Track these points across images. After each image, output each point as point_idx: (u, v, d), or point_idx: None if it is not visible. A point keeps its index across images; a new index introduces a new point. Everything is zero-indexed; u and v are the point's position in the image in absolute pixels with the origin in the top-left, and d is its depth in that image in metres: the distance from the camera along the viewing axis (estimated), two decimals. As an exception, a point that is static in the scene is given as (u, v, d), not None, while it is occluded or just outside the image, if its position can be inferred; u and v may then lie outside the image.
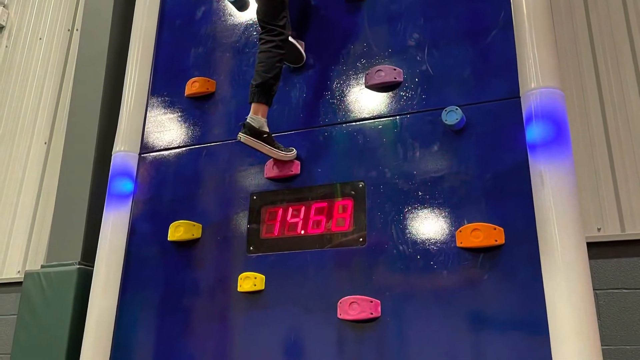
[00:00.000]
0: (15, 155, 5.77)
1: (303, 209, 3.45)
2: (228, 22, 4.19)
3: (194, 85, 4.02)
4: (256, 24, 3.87)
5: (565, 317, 2.63)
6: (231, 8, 4.19)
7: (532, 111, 3.02)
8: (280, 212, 3.50)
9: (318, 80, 3.72)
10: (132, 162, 4.02)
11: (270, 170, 3.58)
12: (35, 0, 6.51)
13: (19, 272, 5.22)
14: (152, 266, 3.73)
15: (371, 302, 3.05)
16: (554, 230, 2.75)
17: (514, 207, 2.96)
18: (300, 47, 3.74)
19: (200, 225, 3.67)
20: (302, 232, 3.40)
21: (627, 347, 3.55)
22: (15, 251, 5.36)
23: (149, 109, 4.20)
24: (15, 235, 5.42)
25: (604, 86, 4.09)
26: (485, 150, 3.14)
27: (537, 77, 3.06)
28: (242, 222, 3.58)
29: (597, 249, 3.69)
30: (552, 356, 2.64)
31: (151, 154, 4.04)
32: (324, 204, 3.40)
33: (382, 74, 3.50)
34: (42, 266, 4.41)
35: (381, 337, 3.01)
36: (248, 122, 3.36)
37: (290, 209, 3.48)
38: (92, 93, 4.86)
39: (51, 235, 4.60)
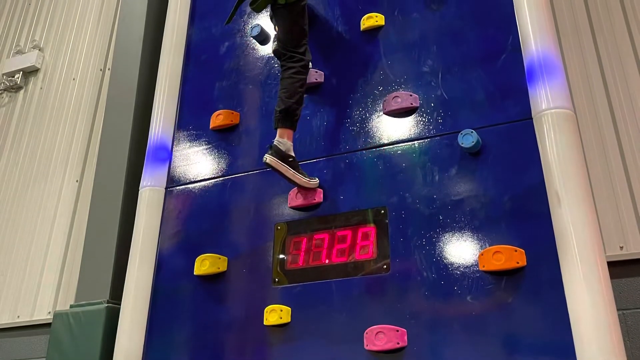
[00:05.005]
0: (48, 194, 5.99)
1: (327, 237, 3.56)
2: (251, 56, 4.42)
3: (218, 118, 4.22)
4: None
5: (591, 339, 2.67)
6: (254, 42, 4.44)
7: (545, 131, 3.15)
8: (304, 241, 3.62)
9: (337, 108, 3.89)
10: (159, 197, 4.21)
11: (293, 199, 3.72)
12: (69, 43, 6.86)
13: (49, 312, 5.34)
14: (178, 302, 3.86)
15: (397, 331, 3.12)
16: (573, 250, 2.83)
17: (534, 228, 3.05)
18: None
19: (226, 258, 3.81)
20: (327, 261, 3.51)
21: (660, 368, 3.55)
22: (46, 291, 5.49)
23: (175, 142, 4.42)
24: (46, 275, 5.57)
25: (615, 103, 4.23)
26: (502, 172, 3.25)
27: (547, 98, 3.20)
28: (267, 253, 3.71)
29: (621, 268, 3.70)
30: (581, 379, 2.68)
31: (177, 187, 4.24)
32: (348, 232, 3.52)
33: (399, 100, 3.66)
34: (71, 306, 4.53)
35: (409, 368, 3.08)
36: (275, 145, 3.52)
37: (315, 238, 3.60)
38: (122, 129, 5.09)
39: (80, 275, 4.75)
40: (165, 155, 4.36)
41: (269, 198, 3.85)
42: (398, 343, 3.11)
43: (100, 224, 4.82)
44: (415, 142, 3.56)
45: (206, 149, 4.26)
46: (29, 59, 6.92)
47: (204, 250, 3.88)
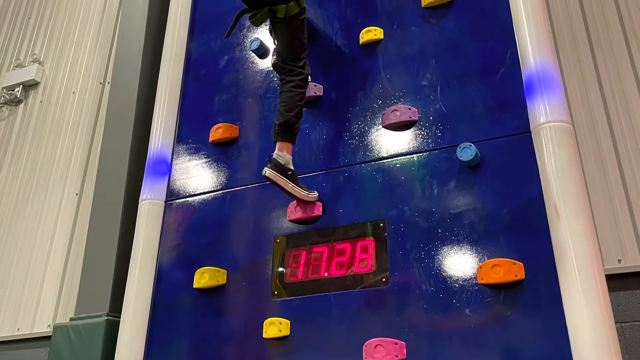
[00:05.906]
0: (48, 207, 6.00)
1: (326, 250, 3.57)
2: (250, 70, 4.44)
3: (217, 131, 4.24)
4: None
5: (589, 352, 2.67)
6: (253, 56, 4.46)
7: (543, 145, 3.16)
8: (303, 254, 3.63)
9: (337, 122, 3.91)
10: (158, 210, 4.22)
11: (292, 212, 3.73)
12: (69, 56, 6.91)
13: (49, 325, 5.33)
14: (178, 315, 3.86)
15: (396, 344, 3.13)
16: (572, 263, 2.83)
17: (532, 241, 3.05)
18: None
19: (225, 271, 3.81)
20: (326, 274, 3.51)
21: (660, 381, 3.55)
22: (46, 304, 5.50)
23: (174, 156, 4.42)
24: (46, 288, 5.57)
25: (613, 117, 4.26)
26: (501, 185, 3.26)
27: (545, 112, 3.22)
28: (266, 266, 3.71)
29: (620, 281, 3.72)
30: (580, 393, 2.68)
31: (176, 200, 4.24)
32: (347, 245, 3.52)
33: (398, 113, 3.68)
34: (71, 319, 4.54)
35: (408, 381, 3.08)
36: (274, 158, 3.53)
37: (314, 251, 3.61)
38: (121, 143, 5.12)
39: (80, 287, 4.76)
40: (165, 168, 4.37)
41: (268, 211, 3.86)
42: (397, 356, 3.11)
43: (100, 237, 4.84)
44: (414, 155, 3.57)
45: (206, 163, 4.27)
46: (28, 73, 6.96)
47: (204, 263, 3.88)
